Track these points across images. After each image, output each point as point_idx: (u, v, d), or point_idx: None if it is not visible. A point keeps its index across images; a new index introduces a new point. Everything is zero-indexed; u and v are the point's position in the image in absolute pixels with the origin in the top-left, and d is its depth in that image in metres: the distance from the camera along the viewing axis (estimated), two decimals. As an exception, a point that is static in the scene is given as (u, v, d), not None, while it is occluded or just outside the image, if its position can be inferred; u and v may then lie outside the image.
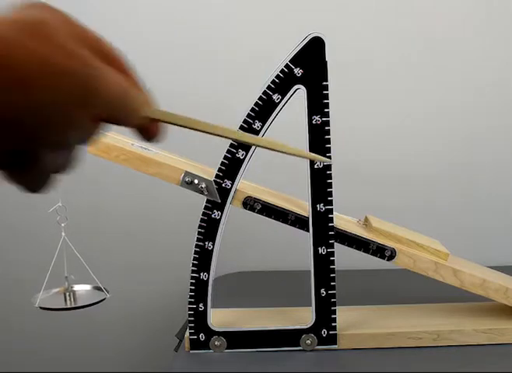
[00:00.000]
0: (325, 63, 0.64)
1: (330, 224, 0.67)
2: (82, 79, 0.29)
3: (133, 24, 1.06)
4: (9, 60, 0.27)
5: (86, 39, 0.31)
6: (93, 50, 0.31)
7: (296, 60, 0.64)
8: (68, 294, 0.72)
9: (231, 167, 0.66)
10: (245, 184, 0.69)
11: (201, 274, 0.67)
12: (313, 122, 0.65)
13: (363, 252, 0.69)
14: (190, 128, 0.36)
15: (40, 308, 0.69)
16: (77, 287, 0.73)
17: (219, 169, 0.66)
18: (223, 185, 0.66)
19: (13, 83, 0.28)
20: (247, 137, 0.42)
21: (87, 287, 0.73)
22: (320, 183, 0.66)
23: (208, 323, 0.68)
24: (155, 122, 0.34)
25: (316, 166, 0.66)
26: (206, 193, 0.66)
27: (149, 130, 0.34)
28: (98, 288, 0.72)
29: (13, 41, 0.28)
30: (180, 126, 0.36)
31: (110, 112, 0.31)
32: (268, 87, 0.64)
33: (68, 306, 0.71)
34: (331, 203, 0.67)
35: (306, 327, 0.69)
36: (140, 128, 0.34)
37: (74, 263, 0.71)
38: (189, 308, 0.68)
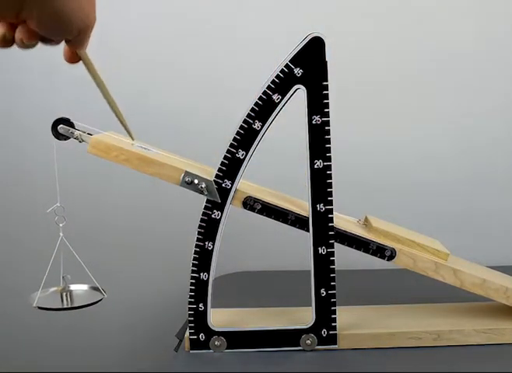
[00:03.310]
0: (325, 63, 0.64)
1: (330, 224, 0.67)
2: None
3: (131, 21, 1.06)
4: None
5: None
6: None
7: (296, 60, 0.64)
8: (65, 294, 0.72)
9: (231, 167, 0.66)
10: (245, 184, 0.69)
11: (201, 274, 0.67)
12: (313, 122, 0.65)
13: (363, 252, 0.69)
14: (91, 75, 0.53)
15: (38, 307, 0.69)
16: (74, 287, 0.73)
17: (219, 169, 0.66)
18: (223, 185, 0.66)
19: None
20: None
21: (84, 287, 0.73)
22: (320, 183, 0.66)
23: (208, 323, 0.68)
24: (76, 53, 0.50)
25: (316, 166, 0.66)
26: (206, 193, 0.66)
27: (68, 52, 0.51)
28: (95, 289, 0.72)
29: None
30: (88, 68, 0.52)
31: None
32: (268, 87, 0.64)
33: (65, 306, 0.71)
34: (331, 203, 0.67)
35: (306, 327, 0.69)
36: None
37: (72, 264, 0.71)
38: (189, 308, 0.68)
